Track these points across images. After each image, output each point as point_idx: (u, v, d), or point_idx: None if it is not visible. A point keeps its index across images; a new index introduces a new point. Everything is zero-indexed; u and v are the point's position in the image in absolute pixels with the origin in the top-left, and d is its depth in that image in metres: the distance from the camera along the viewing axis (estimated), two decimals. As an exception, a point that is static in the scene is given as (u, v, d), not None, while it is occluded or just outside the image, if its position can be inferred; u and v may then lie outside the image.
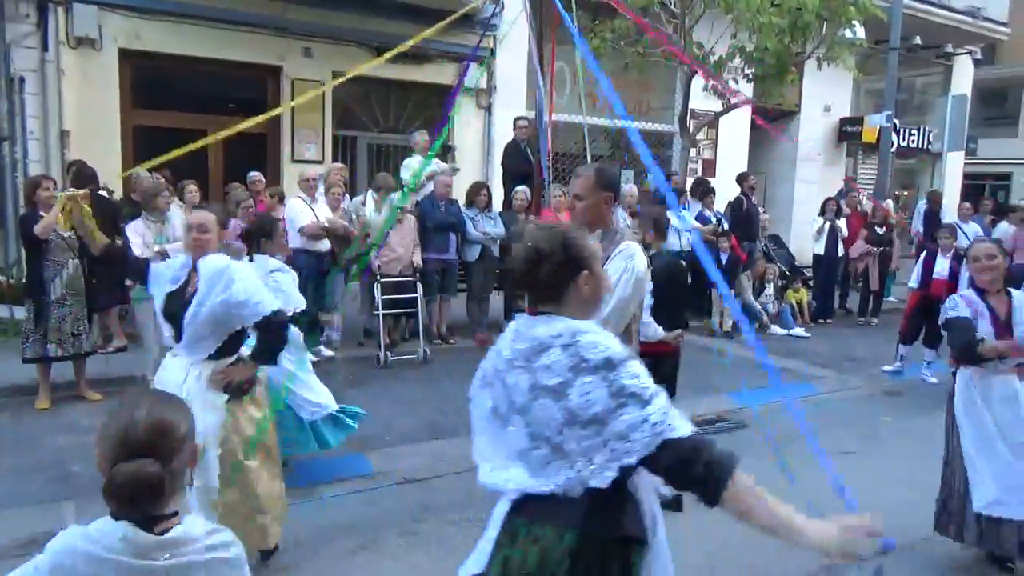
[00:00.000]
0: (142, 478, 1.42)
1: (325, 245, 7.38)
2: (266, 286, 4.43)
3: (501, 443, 1.91)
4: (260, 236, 4.62)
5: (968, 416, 3.67)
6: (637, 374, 1.74)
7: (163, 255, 6.23)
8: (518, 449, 1.85)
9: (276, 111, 3.15)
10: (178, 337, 3.26)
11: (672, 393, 4.83)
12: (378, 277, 7.47)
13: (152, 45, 9.05)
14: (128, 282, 6.20)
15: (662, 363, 4.20)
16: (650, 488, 1.91)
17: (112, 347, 6.80)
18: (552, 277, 1.87)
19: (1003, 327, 3.59)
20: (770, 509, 1.68)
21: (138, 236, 6.16)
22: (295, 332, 4.57)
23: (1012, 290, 3.71)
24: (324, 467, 4.83)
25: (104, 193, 7.00)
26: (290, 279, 4.62)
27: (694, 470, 1.68)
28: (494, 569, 1.86)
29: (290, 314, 4.47)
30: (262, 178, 8.47)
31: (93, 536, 1.46)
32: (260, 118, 3.69)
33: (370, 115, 10.87)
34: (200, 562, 1.51)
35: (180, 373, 3.23)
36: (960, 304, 3.70)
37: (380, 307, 7.44)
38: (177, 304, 3.24)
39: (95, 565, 1.44)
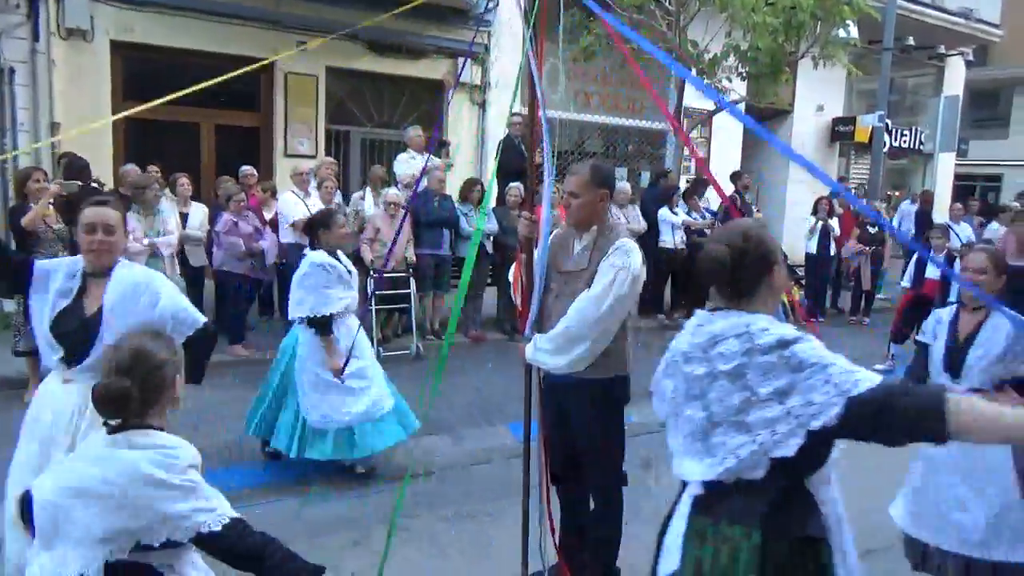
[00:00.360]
0: (112, 391, 1.88)
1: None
2: (317, 282, 4.37)
3: (679, 429, 2.00)
4: (320, 227, 4.56)
5: None
6: (813, 346, 1.77)
7: (153, 249, 6.21)
8: (697, 431, 1.91)
9: (270, 59, 2.93)
10: (75, 359, 2.70)
11: None
12: (371, 272, 7.45)
13: (144, 37, 8.99)
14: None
15: None
16: (830, 486, 1.92)
17: (102, 341, 6.76)
18: (749, 273, 1.93)
19: (959, 347, 3.19)
20: (1004, 419, 1.59)
21: (128, 230, 6.13)
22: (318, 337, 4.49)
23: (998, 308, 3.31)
24: (316, 462, 4.81)
25: (95, 186, 6.94)
26: (335, 278, 4.45)
27: (902, 415, 1.62)
28: (687, 570, 1.89)
29: (318, 316, 4.40)
30: (254, 172, 8.43)
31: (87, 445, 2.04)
32: (251, 67, 3.27)
33: (364, 110, 10.83)
34: (138, 458, 1.90)
35: (76, 399, 2.66)
36: (931, 324, 3.40)
37: (373, 302, 7.42)
38: (74, 322, 2.69)
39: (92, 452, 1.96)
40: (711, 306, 2.01)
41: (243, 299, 7.34)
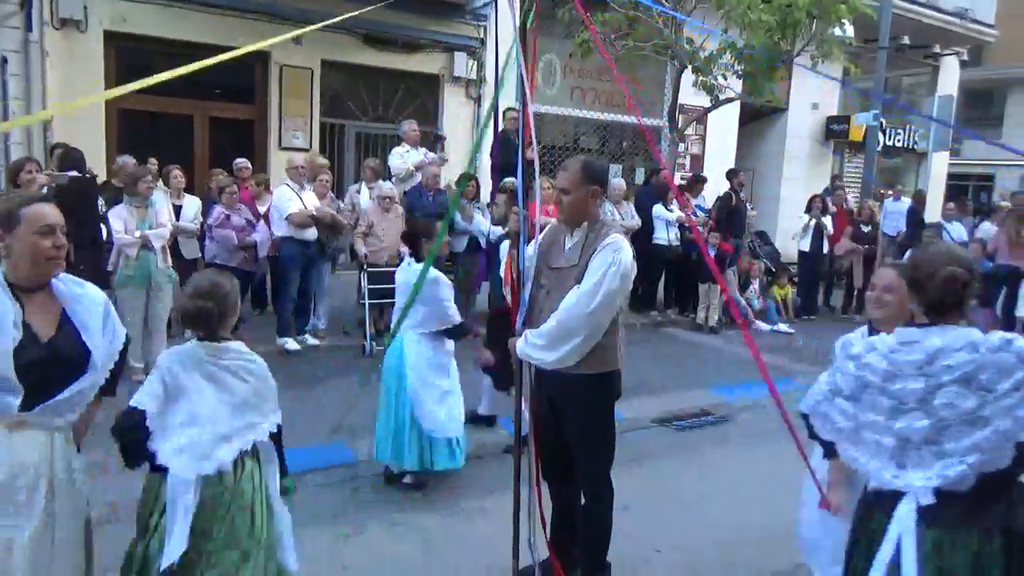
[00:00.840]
0: (198, 310, 2.53)
1: (312, 233, 7.33)
2: (436, 296, 4.38)
3: (882, 444, 2.15)
4: (423, 236, 4.56)
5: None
6: None
7: (144, 241, 6.18)
8: (918, 439, 2.09)
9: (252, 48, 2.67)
10: (36, 399, 2.17)
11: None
12: (364, 266, 7.44)
13: (138, 28, 8.95)
14: (110, 267, 6.13)
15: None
16: None
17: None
18: (969, 293, 2.18)
19: None
20: None
21: (120, 221, 6.10)
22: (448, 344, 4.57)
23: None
24: (305, 456, 4.81)
25: (89, 177, 6.91)
26: (450, 290, 4.48)
27: None
28: None
29: (452, 326, 4.46)
30: (249, 165, 8.40)
31: (183, 347, 2.58)
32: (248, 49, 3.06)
33: (359, 103, 10.81)
34: (236, 365, 2.57)
35: (38, 450, 2.20)
36: (838, 351, 2.48)
37: (366, 296, 7.41)
38: (36, 353, 2.18)
39: (182, 360, 2.53)
40: (916, 323, 2.21)
41: (236, 292, 7.32)
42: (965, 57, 17.58)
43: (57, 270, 2.29)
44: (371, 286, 7.40)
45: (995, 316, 6.53)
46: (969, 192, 24.44)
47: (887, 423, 2.12)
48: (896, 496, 2.09)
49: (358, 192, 8.16)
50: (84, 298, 2.34)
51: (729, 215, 10.02)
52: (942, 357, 2.05)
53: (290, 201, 7.21)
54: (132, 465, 2.50)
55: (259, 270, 7.72)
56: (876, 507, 2.16)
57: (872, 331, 2.72)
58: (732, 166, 12.05)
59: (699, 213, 9.97)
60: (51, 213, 2.25)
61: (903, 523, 2.06)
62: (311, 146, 9.98)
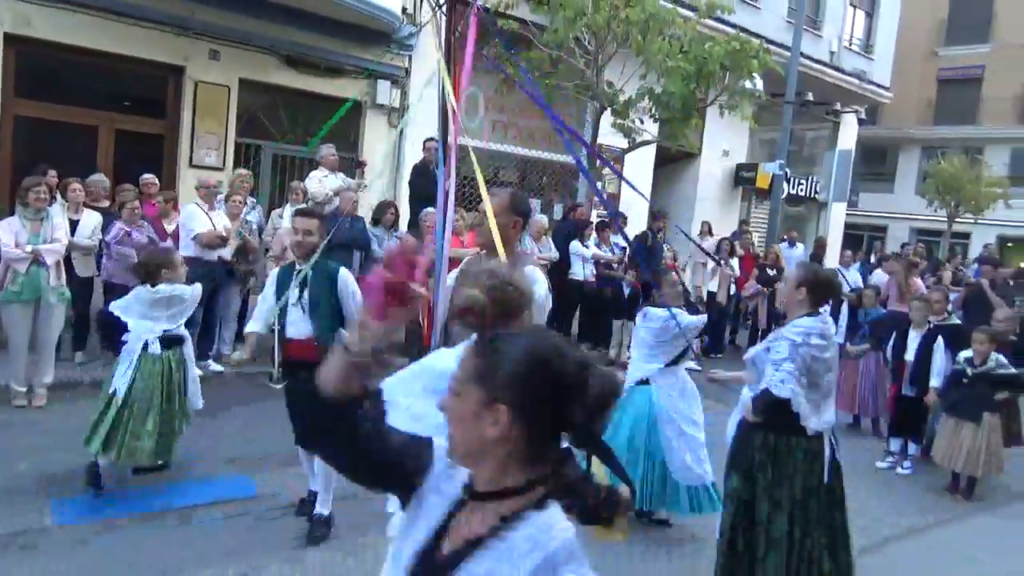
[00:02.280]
0: (146, 263, 4.61)
1: (220, 254, 7.06)
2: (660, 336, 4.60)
3: (813, 397, 3.21)
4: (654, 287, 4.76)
5: None
6: None
7: (36, 257, 5.78)
8: (831, 390, 3.31)
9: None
10: None
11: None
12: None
13: (43, 32, 8.49)
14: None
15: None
16: None
17: (-27, 352, 6.24)
18: None
19: None
20: None
21: (11, 234, 5.71)
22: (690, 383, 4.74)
23: None
24: (204, 488, 4.57)
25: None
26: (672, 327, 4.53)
27: None
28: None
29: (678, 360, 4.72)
30: (156, 181, 8.05)
31: (140, 290, 4.54)
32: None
33: (277, 124, 10.57)
34: (176, 294, 4.59)
35: None
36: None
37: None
38: None
39: (138, 299, 4.53)
40: (806, 313, 3.35)
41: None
42: (863, 115, 18.79)
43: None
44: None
45: (885, 359, 6.89)
46: (864, 240, 26.00)
47: (824, 380, 3.20)
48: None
49: (280, 216, 7.94)
50: None
51: (645, 254, 10.26)
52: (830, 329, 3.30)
53: (198, 220, 6.94)
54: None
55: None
56: (782, 436, 3.29)
57: None
58: (649, 208, 12.39)
59: (616, 251, 10.17)
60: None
61: (826, 446, 3.27)
62: (224, 165, 9.67)
